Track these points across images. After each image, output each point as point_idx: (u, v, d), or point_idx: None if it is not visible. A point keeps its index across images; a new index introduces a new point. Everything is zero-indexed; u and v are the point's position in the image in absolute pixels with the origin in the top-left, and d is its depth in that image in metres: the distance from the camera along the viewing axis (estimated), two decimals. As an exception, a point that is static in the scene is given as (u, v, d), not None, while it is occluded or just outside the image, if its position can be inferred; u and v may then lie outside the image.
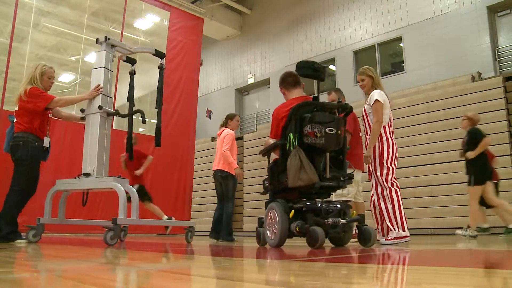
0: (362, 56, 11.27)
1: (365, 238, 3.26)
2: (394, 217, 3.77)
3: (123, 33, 9.77)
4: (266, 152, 3.62)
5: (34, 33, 9.55)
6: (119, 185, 3.72)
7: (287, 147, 3.24)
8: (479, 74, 8.69)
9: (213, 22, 13.21)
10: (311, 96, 3.55)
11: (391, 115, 4.06)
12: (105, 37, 4.25)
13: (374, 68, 10.89)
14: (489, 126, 7.73)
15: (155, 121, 4.90)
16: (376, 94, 3.91)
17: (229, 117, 6.31)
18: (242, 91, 14.43)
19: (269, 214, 3.41)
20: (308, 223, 3.07)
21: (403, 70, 10.20)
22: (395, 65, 10.76)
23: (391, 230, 3.79)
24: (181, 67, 10.40)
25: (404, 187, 8.57)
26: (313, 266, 1.97)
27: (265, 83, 13.45)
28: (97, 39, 4.30)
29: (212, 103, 14.65)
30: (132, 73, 4.41)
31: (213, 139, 13.52)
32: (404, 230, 3.76)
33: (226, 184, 6.00)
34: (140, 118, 4.07)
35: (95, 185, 3.90)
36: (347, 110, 3.43)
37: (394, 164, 3.95)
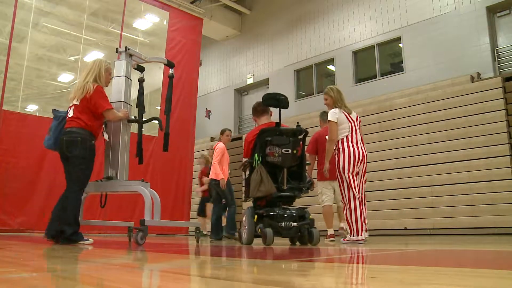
0: (361, 56, 11.27)
1: (310, 238, 3.92)
2: (353, 223, 4.22)
3: (123, 33, 9.75)
4: (243, 167, 4.39)
5: (34, 33, 9.54)
6: (144, 188, 3.93)
7: (254, 165, 4.02)
8: (479, 74, 8.70)
9: (212, 22, 13.21)
10: (274, 122, 4.26)
11: (352, 126, 4.42)
12: (125, 47, 4.42)
13: (373, 68, 10.94)
14: (488, 126, 7.74)
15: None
16: (329, 115, 4.44)
17: (221, 132, 6.97)
18: (241, 91, 14.43)
19: (243, 218, 4.16)
20: (264, 225, 3.78)
21: (403, 71, 10.20)
22: (395, 65, 10.76)
23: (347, 232, 4.34)
24: (181, 67, 10.39)
25: (404, 187, 8.60)
26: (314, 267, 1.97)
27: (264, 83, 13.44)
28: (117, 49, 4.45)
29: (212, 103, 14.64)
30: (141, 81, 4.52)
31: (212, 139, 13.52)
32: (359, 235, 4.19)
33: (222, 191, 6.50)
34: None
35: (122, 188, 4.11)
36: (301, 134, 4.17)
37: (353, 173, 4.27)
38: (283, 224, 3.81)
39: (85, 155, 3.84)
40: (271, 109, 4.51)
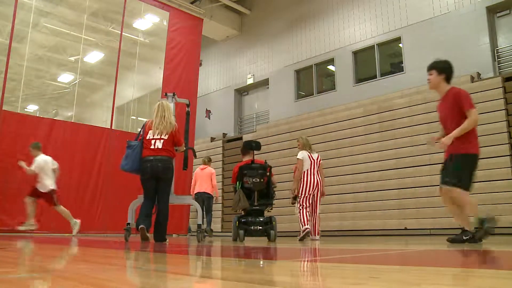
0: (361, 56, 11.26)
1: (269, 236, 5.76)
2: (301, 221, 6.11)
3: (123, 33, 9.75)
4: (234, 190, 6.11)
5: (34, 33, 9.54)
6: (195, 202, 5.70)
7: (236, 188, 5.89)
8: (479, 74, 8.69)
9: (212, 22, 13.20)
10: (250, 160, 6.10)
11: (311, 163, 6.35)
12: (173, 93, 5.67)
13: (374, 68, 10.93)
14: (488, 126, 7.73)
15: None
16: (298, 155, 6.43)
17: (210, 160, 9.52)
18: (242, 92, 14.42)
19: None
20: (240, 228, 5.68)
21: (402, 71, 10.19)
22: (394, 66, 10.75)
23: (301, 227, 6.11)
24: (181, 67, 10.39)
25: (405, 187, 8.60)
26: (316, 267, 1.96)
27: (264, 83, 13.44)
28: (166, 93, 5.71)
29: (212, 103, 14.64)
30: (188, 113, 5.87)
31: (212, 139, 13.53)
32: (305, 225, 6.01)
33: (210, 202, 8.92)
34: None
35: (178, 201, 5.62)
36: (266, 168, 5.99)
37: (308, 193, 6.25)
38: (252, 227, 5.72)
39: (173, 177, 5.04)
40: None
